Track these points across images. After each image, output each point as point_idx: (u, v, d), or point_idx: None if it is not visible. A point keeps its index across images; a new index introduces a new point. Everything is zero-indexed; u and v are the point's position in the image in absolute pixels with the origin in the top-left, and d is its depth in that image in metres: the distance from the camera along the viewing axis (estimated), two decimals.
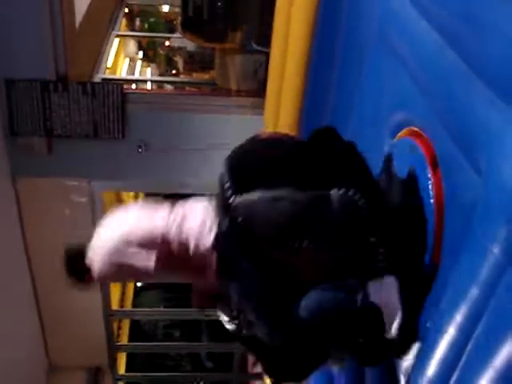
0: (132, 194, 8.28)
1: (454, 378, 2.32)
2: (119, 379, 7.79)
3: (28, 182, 5.66)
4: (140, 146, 5.63)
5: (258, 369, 8.10)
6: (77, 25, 5.88)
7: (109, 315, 6.72)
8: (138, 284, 8.88)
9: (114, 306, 7.11)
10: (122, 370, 8.07)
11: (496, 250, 2.13)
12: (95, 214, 5.78)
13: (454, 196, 2.57)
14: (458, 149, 2.50)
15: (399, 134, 3.00)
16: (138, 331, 8.92)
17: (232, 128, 5.27)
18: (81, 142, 5.63)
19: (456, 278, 2.45)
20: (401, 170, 2.85)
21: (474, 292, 2.26)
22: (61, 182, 5.74)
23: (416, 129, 2.88)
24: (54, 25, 5.27)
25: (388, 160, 2.96)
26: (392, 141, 3.12)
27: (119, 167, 5.70)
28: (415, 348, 2.81)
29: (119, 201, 7.65)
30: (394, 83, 3.15)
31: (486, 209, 2.24)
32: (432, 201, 2.63)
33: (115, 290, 7.41)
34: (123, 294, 8.05)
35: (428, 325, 2.68)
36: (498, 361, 2.00)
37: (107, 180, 5.81)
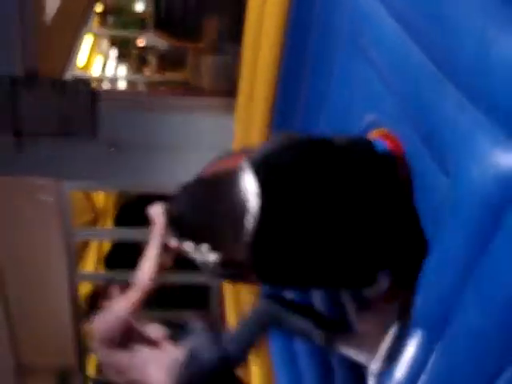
0: (102, 195, 8.21)
1: (421, 381, 2.33)
2: (88, 381, 7.71)
3: None
4: (111, 146, 5.58)
5: None
6: (48, 21, 5.80)
7: (77, 316, 6.64)
8: None
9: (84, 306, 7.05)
10: (91, 371, 8.00)
11: (462, 252, 2.14)
12: (63, 214, 5.71)
13: (422, 198, 2.57)
14: (426, 150, 2.50)
15: (369, 135, 2.99)
16: None
17: (204, 128, 5.25)
18: (50, 140, 5.55)
19: (424, 288, 2.45)
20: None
21: (446, 290, 2.26)
22: (28, 181, 5.66)
23: (386, 130, 2.88)
24: (24, 20, 5.19)
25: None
26: None
27: (90, 167, 5.63)
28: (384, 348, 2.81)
29: (88, 199, 7.56)
30: (364, 84, 3.15)
31: (454, 212, 2.25)
32: None
33: (84, 289, 7.34)
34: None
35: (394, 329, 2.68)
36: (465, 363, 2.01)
37: (76, 179, 5.74)
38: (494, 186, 2.00)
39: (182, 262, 7.71)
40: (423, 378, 2.33)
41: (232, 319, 4.82)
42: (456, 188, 2.22)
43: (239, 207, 2.37)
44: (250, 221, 2.34)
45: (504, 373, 1.92)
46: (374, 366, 2.80)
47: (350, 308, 3.24)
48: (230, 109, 5.32)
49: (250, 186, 2.36)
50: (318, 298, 3.57)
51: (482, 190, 2.04)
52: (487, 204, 2.02)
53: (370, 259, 2.66)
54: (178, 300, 8.21)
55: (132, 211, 8.27)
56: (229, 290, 4.79)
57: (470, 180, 2.12)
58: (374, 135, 2.93)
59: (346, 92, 3.41)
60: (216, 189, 2.56)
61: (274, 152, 2.49)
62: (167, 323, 3.04)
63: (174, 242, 2.88)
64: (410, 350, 2.43)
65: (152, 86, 9.03)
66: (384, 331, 2.82)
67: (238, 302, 4.72)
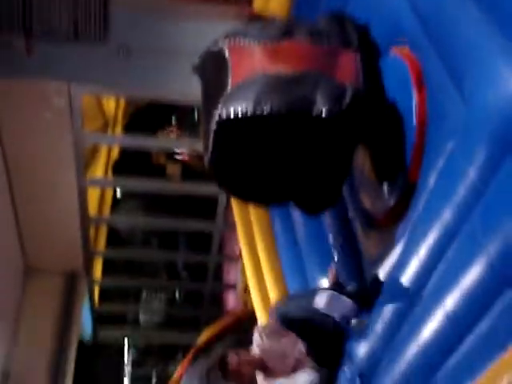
0: (113, 99, 8.13)
1: (424, 294, 2.35)
2: (95, 284, 7.89)
3: (5, 84, 5.51)
4: (121, 50, 5.47)
5: (231, 280, 8.25)
6: None
7: (86, 221, 6.72)
8: (118, 194, 8.88)
9: (92, 212, 7.12)
10: (98, 274, 8.17)
11: (473, 173, 2.11)
12: (74, 117, 5.67)
13: (437, 118, 2.53)
14: (445, 71, 2.44)
15: (390, 51, 2.91)
16: (116, 240, 8.98)
17: (217, 35, 5.12)
18: (61, 43, 5.45)
19: (431, 199, 2.44)
20: (387, 87, 2.79)
21: (448, 215, 2.25)
22: (39, 85, 5.59)
23: (405, 48, 2.80)
24: None
25: None
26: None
27: (99, 70, 5.54)
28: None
29: (99, 107, 7.51)
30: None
31: (467, 132, 2.21)
32: (414, 119, 2.58)
33: (93, 196, 7.41)
34: (101, 200, 8.04)
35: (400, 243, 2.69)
36: (466, 281, 2.01)
37: (87, 83, 5.67)
38: (508, 110, 1.95)
39: (190, 172, 7.74)
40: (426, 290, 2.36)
41: None
42: (470, 110, 2.18)
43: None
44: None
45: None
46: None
47: (357, 225, 3.26)
48: (243, 17, 5.18)
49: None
50: (328, 218, 3.60)
51: (497, 113, 1.99)
52: (501, 129, 1.98)
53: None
54: (185, 210, 8.30)
55: (142, 119, 8.25)
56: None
57: (484, 104, 2.08)
58: (394, 52, 2.86)
59: (369, 7, 3.28)
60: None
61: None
62: None
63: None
64: (412, 267, 2.45)
65: None
66: (388, 250, 2.84)
67: None
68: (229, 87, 2.56)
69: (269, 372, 3.07)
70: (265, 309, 4.18)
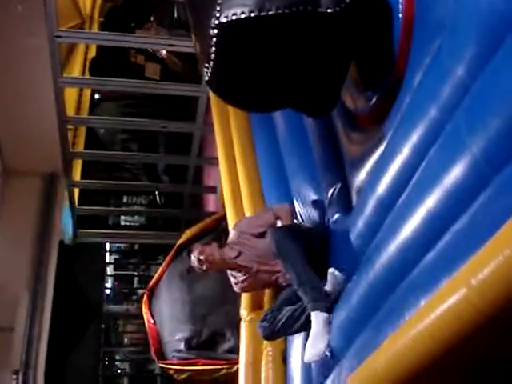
0: None
1: (403, 195, 2.36)
2: (73, 185, 7.85)
3: None
4: None
5: (211, 182, 8.27)
6: None
7: (63, 121, 6.60)
8: (96, 95, 8.69)
9: (70, 114, 6.99)
10: (77, 178, 8.12)
11: (460, 69, 2.06)
12: (48, 14, 5.46)
13: (424, 13, 2.45)
14: None
15: None
16: (95, 143, 8.86)
17: None
18: None
19: (416, 98, 2.41)
20: None
21: (433, 113, 2.22)
22: None
23: None
24: None
25: None
26: None
27: None
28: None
29: (75, 5, 7.21)
30: None
31: (455, 27, 2.14)
32: (401, 15, 2.50)
33: (71, 98, 7.25)
34: (79, 103, 7.88)
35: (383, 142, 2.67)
36: (449, 179, 2.01)
37: None
38: (499, 3, 1.88)
39: (169, 72, 7.55)
40: (407, 191, 2.37)
41: None
42: (460, 6, 2.12)
43: None
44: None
45: None
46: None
47: (339, 126, 3.23)
48: None
49: None
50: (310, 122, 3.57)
51: (487, 6, 1.93)
52: (491, 22, 1.92)
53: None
54: (165, 111, 8.19)
55: (119, 17, 7.98)
56: None
57: None
58: None
59: None
60: None
61: None
62: None
63: None
64: (395, 167, 2.44)
65: None
66: (370, 150, 2.83)
67: None
68: None
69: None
70: (237, 213, 4.19)
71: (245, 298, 3.94)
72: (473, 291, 1.56)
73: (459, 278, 1.68)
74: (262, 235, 3.39)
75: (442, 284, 1.86)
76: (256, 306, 3.85)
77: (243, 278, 3.42)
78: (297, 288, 2.93)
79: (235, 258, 3.38)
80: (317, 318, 2.83)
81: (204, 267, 3.37)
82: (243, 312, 3.95)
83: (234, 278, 3.48)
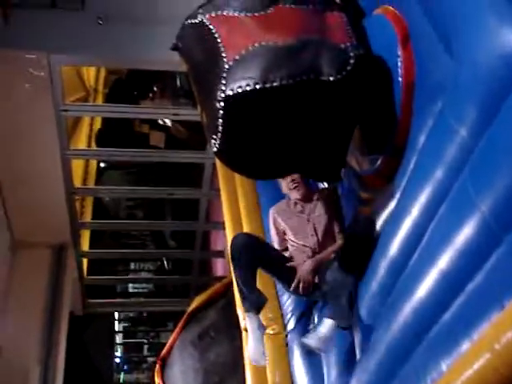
0: (93, 69, 8.02)
1: (415, 256, 2.37)
2: (83, 256, 7.88)
3: None
4: (100, 18, 5.38)
5: (219, 247, 8.27)
6: None
7: (71, 193, 6.68)
8: (101, 164, 8.80)
9: (77, 184, 7.08)
10: (85, 247, 8.15)
11: (463, 131, 2.11)
12: (54, 88, 5.59)
13: (424, 75, 2.51)
14: (431, 27, 2.42)
15: (374, 12, 2.88)
16: (102, 212, 8.93)
17: (196, 2, 5.03)
18: (38, 12, 5.35)
19: (421, 159, 2.44)
20: (373, 46, 2.76)
21: (439, 174, 2.26)
22: (19, 55, 5.49)
23: (389, 7, 2.77)
24: None
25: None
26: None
27: (79, 40, 5.45)
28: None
29: (79, 77, 7.40)
30: None
31: (457, 90, 2.20)
32: (400, 79, 2.56)
33: (78, 169, 7.35)
34: (86, 173, 7.98)
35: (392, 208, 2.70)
36: (459, 239, 2.02)
37: (66, 53, 5.57)
38: (500, 67, 1.93)
39: (174, 140, 7.67)
40: (418, 253, 2.38)
41: None
42: (459, 67, 2.17)
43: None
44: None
45: None
46: None
47: (356, 191, 3.26)
48: None
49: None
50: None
51: (488, 71, 1.98)
52: (492, 86, 1.97)
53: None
54: (171, 178, 8.26)
55: (123, 88, 8.15)
56: None
57: (474, 61, 2.06)
58: (379, 11, 2.82)
59: None
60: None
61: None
62: None
63: None
64: (405, 227, 2.45)
65: None
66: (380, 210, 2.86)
67: None
68: (225, 62, 2.48)
69: None
70: None
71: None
72: (496, 356, 1.55)
73: (482, 343, 1.67)
74: None
75: (462, 347, 1.85)
76: None
77: None
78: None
79: None
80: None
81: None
82: None
83: None
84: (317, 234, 3.21)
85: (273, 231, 3.38)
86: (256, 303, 3.06)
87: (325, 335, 2.88)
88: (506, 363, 1.52)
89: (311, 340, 2.93)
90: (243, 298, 3.09)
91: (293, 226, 3.28)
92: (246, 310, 3.07)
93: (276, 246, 3.33)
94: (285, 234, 3.31)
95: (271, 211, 3.41)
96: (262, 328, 3.09)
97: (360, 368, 2.75)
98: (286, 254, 3.28)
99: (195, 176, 7.25)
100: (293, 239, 3.26)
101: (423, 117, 2.48)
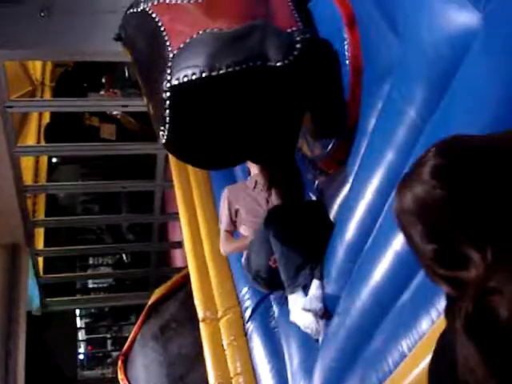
0: (39, 63, 7.82)
1: (370, 240, 2.36)
2: (38, 255, 7.72)
3: None
4: (43, 10, 5.23)
5: (177, 238, 8.19)
6: None
7: (22, 191, 6.52)
8: (53, 159, 8.62)
9: (28, 181, 6.91)
10: (40, 246, 7.98)
11: (412, 112, 2.10)
12: None
13: (372, 57, 2.50)
14: (377, 9, 2.40)
15: None
16: (56, 208, 8.75)
17: None
18: None
19: (373, 142, 2.43)
20: (319, 29, 2.74)
21: (390, 156, 2.25)
22: None
23: None
24: None
25: None
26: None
27: (21, 34, 5.30)
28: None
29: (25, 72, 7.21)
30: None
31: (404, 71, 2.19)
32: (348, 61, 2.53)
33: (28, 166, 7.17)
34: (37, 169, 7.80)
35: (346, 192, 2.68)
36: None
37: (8, 48, 5.41)
38: (445, 47, 1.92)
39: (125, 132, 7.53)
40: (372, 236, 2.37)
41: None
42: (405, 48, 2.16)
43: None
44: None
45: None
46: None
47: (312, 176, 3.25)
48: None
49: None
50: None
51: (433, 50, 1.97)
52: (438, 66, 1.96)
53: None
54: (124, 171, 8.14)
55: (70, 81, 7.96)
56: None
57: (419, 40, 2.05)
58: None
59: None
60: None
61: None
62: None
63: None
64: (360, 212, 2.44)
65: None
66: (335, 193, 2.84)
67: None
68: (170, 50, 2.44)
69: None
70: (199, 269, 4.14)
71: None
72: None
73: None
74: None
75: (422, 327, 1.84)
76: None
77: None
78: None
79: None
80: None
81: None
82: None
83: None
84: None
85: (223, 211, 3.34)
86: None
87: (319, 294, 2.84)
88: None
89: (312, 304, 2.85)
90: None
91: (247, 205, 3.28)
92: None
93: (223, 227, 3.31)
94: (236, 215, 3.29)
95: (225, 192, 3.37)
96: None
97: (322, 354, 2.74)
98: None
99: (149, 165, 7.15)
100: (245, 217, 3.26)
101: (372, 99, 2.46)
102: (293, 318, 2.91)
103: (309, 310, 2.84)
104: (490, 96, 1.66)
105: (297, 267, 2.89)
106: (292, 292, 2.92)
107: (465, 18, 1.81)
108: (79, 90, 7.49)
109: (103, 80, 7.90)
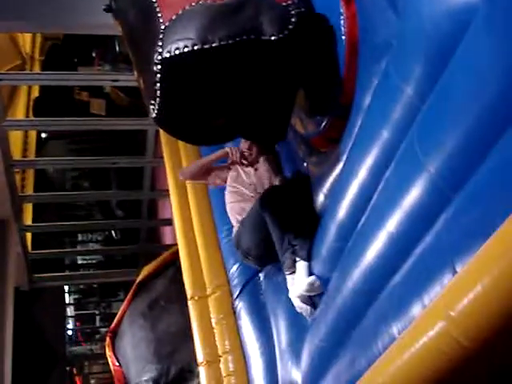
0: (29, 36, 7.70)
1: (363, 219, 2.32)
2: (25, 230, 7.65)
3: None
4: None
5: (167, 215, 8.15)
6: None
7: (9, 165, 6.43)
8: (43, 135, 8.51)
9: (17, 156, 6.82)
10: (28, 221, 7.91)
11: (409, 89, 2.05)
12: None
13: (368, 33, 2.44)
14: None
15: None
16: (45, 183, 8.66)
17: None
18: None
19: (368, 120, 2.38)
20: (315, 4, 2.67)
21: (386, 134, 2.20)
22: None
23: None
24: None
25: None
26: None
27: (10, 6, 5.20)
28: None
29: (14, 46, 7.08)
30: None
31: (401, 47, 2.13)
32: (344, 37, 2.47)
33: (17, 141, 7.08)
34: (26, 144, 7.70)
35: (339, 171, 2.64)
36: (406, 201, 1.98)
37: None
38: (445, 22, 1.87)
39: (115, 107, 7.45)
40: (366, 215, 2.33)
41: None
42: (404, 25, 2.10)
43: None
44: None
45: None
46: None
47: (303, 154, 3.21)
48: None
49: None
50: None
51: (432, 26, 1.91)
52: (437, 42, 1.90)
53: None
54: (114, 146, 8.07)
55: (60, 54, 7.85)
56: None
57: (419, 18, 1.99)
58: None
59: None
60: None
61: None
62: None
63: None
64: (353, 190, 2.41)
65: None
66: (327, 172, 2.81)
67: None
68: (161, 22, 2.37)
69: None
70: (188, 246, 4.11)
71: None
72: (452, 324, 1.51)
73: (437, 309, 1.63)
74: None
75: (413, 311, 1.81)
76: None
77: None
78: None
79: None
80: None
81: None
82: None
83: None
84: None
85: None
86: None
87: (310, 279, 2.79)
88: (463, 331, 1.48)
89: (299, 290, 2.83)
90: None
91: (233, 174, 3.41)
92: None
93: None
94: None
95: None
96: None
97: (311, 334, 2.72)
98: None
99: (139, 141, 7.09)
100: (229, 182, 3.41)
101: (368, 76, 2.41)
102: (290, 296, 2.90)
103: (298, 297, 2.83)
104: (493, 74, 1.61)
105: (283, 248, 2.89)
106: (287, 272, 2.90)
107: None
108: (69, 65, 7.39)
109: (93, 54, 7.78)
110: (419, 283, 1.87)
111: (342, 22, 2.49)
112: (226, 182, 3.47)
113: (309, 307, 2.83)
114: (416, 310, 1.86)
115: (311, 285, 2.75)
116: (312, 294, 2.78)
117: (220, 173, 3.54)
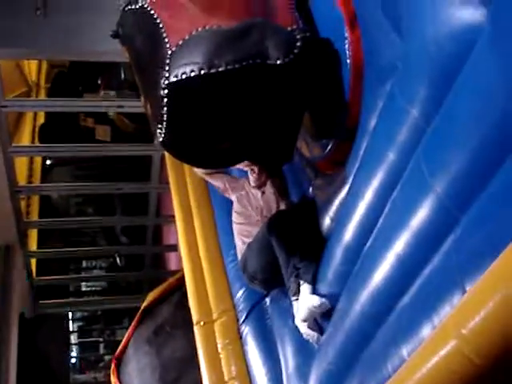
0: (35, 63, 7.78)
1: (370, 242, 2.32)
2: (31, 256, 7.65)
3: None
4: (38, 8, 5.19)
5: (171, 241, 8.15)
6: None
7: (15, 191, 6.45)
8: (48, 161, 8.55)
9: (22, 182, 6.85)
10: (33, 247, 7.92)
11: (415, 111, 2.06)
12: None
13: (373, 56, 2.46)
14: (379, 7, 2.36)
15: None
16: (50, 210, 8.69)
17: None
18: None
19: (373, 142, 2.40)
20: (320, 28, 2.70)
21: (392, 156, 2.21)
22: None
23: None
24: None
25: None
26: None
27: (17, 32, 5.25)
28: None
29: (20, 72, 7.16)
30: None
31: (406, 69, 2.15)
32: (349, 61, 2.50)
33: (22, 167, 7.12)
34: (31, 170, 7.74)
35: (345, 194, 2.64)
36: (414, 222, 1.98)
37: (4, 47, 5.36)
38: (449, 44, 1.88)
39: (120, 134, 7.50)
40: (373, 237, 2.32)
41: None
42: (408, 47, 2.12)
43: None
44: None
45: None
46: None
47: (309, 177, 3.22)
48: None
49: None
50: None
51: (437, 48, 1.93)
52: (442, 64, 1.92)
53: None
54: (119, 172, 8.08)
55: (66, 82, 7.92)
56: None
57: (423, 40, 2.01)
58: None
59: None
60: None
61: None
62: None
63: None
64: (360, 212, 2.40)
65: None
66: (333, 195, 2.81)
67: None
68: (168, 47, 2.39)
69: None
70: (194, 271, 4.10)
71: None
72: (464, 342, 1.50)
73: (447, 328, 1.62)
74: None
75: (423, 332, 1.80)
76: None
77: None
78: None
79: None
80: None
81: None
82: None
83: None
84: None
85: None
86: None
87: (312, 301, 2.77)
88: (474, 349, 1.47)
89: (304, 314, 2.80)
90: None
91: (240, 197, 3.42)
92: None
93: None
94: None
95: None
96: None
97: (319, 357, 2.70)
98: None
99: (144, 167, 7.11)
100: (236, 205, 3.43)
101: (373, 98, 2.43)
102: (296, 323, 2.89)
103: (304, 321, 2.81)
104: (497, 95, 1.62)
105: (289, 272, 2.88)
106: (292, 298, 2.89)
107: (469, 13, 1.77)
108: (74, 92, 7.44)
109: (99, 81, 7.84)
110: (428, 304, 1.86)
111: (346, 46, 2.52)
112: (234, 196, 3.49)
113: (316, 334, 2.81)
114: (426, 331, 1.85)
115: (314, 303, 2.73)
116: (317, 312, 2.76)
117: (234, 185, 3.54)
